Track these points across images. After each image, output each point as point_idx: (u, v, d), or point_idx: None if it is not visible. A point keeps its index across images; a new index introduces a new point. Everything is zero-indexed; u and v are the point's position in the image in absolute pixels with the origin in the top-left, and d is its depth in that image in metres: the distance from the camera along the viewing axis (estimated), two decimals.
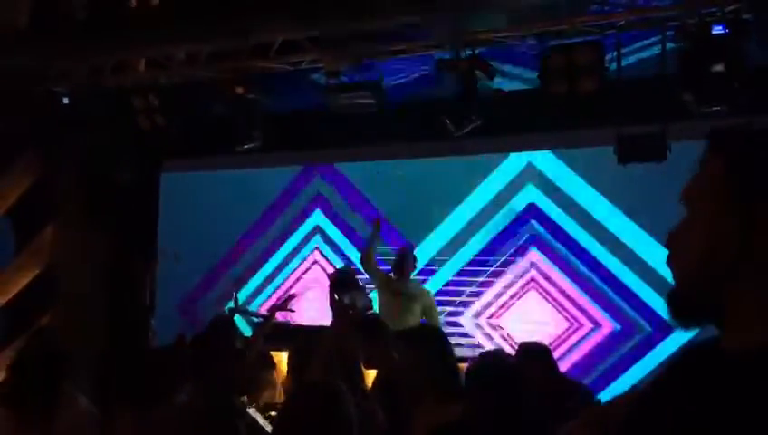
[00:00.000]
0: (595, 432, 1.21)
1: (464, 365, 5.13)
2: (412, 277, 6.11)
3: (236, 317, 5.90)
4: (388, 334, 4.09)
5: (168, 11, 5.75)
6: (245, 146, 5.99)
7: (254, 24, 5.56)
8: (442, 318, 6.38)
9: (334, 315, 2.63)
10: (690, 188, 1.01)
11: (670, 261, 1.01)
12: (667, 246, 1.02)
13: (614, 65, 5.01)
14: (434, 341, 3.09)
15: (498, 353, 3.75)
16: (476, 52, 5.30)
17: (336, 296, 2.62)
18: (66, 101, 6.35)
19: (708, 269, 0.96)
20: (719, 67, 4.55)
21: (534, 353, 3.74)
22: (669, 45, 4.89)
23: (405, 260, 5.99)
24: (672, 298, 1.00)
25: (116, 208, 7.26)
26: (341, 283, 2.58)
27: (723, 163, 0.98)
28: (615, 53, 5.02)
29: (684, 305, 0.99)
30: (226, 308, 5.73)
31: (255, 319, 6.10)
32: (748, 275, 0.94)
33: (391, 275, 6.01)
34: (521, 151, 6.69)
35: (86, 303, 6.90)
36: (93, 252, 7.09)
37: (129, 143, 6.66)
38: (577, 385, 3.93)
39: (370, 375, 3.92)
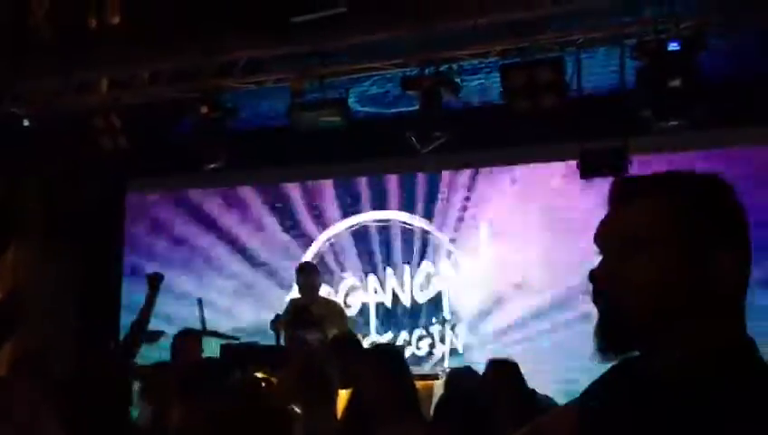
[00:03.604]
0: None
1: (432, 382, 5.19)
2: (321, 295, 5.77)
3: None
4: (359, 351, 4.10)
5: (130, 30, 5.71)
6: (211, 165, 5.97)
7: (220, 43, 5.57)
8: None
9: (290, 351, 2.64)
10: (626, 228, 1.06)
11: (609, 297, 1.05)
12: (602, 283, 1.06)
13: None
14: (393, 360, 3.16)
15: (467, 376, 3.80)
16: (441, 69, 5.37)
17: (291, 332, 2.64)
18: (27, 122, 6.26)
19: (660, 306, 1.02)
20: (676, 82, 4.67)
21: (502, 369, 3.79)
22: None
23: (306, 279, 5.64)
24: (610, 332, 1.05)
25: (80, 230, 7.16)
26: (297, 319, 2.58)
27: (667, 206, 1.05)
28: (575, 70, 5.12)
29: (623, 338, 1.05)
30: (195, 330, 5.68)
31: (223, 340, 6.05)
32: (692, 310, 1.02)
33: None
34: (485, 167, 6.76)
35: (52, 325, 6.78)
36: (58, 274, 6.98)
37: (92, 164, 6.59)
38: (546, 401, 3.98)
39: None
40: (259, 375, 4.00)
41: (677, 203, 1.04)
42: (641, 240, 1.04)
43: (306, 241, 7.39)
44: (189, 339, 5.23)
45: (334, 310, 5.65)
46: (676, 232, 1.03)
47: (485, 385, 3.78)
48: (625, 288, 1.04)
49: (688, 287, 1.02)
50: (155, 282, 5.34)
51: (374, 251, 7.09)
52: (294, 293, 7.27)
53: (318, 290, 5.70)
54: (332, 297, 6.66)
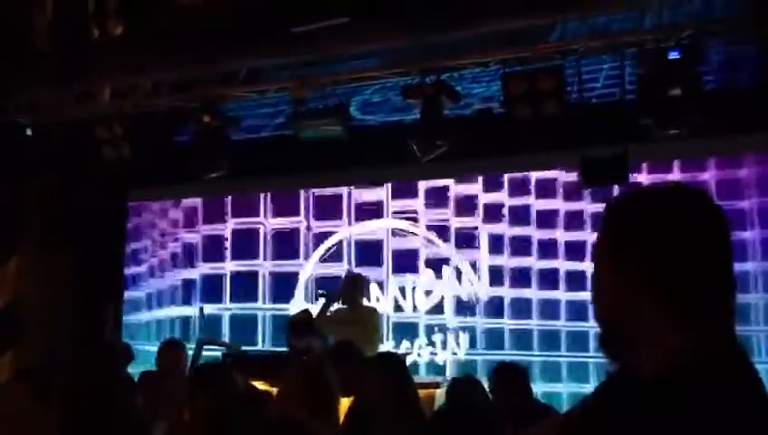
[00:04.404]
0: None
1: (434, 391, 5.18)
2: (365, 304, 5.88)
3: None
4: (361, 359, 4.10)
5: (132, 40, 5.73)
6: (212, 174, 5.97)
7: (221, 53, 5.58)
8: None
9: (290, 358, 2.63)
10: (594, 250, 1.21)
11: (594, 306, 1.19)
12: (591, 295, 1.20)
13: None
14: (397, 368, 3.16)
15: (468, 385, 3.79)
16: (441, 77, 5.38)
17: (292, 340, 2.63)
18: (29, 131, 6.28)
19: (612, 313, 1.13)
20: (676, 91, 4.68)
21: (507, 376, 3.77)
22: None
23: (348, 288, 5.76)
24: (599, 336, 1.17)
25: (82, 239, 7.16)
26: (297, 327, 2.59)
27: (603, 234, 1.17)
28: (576, 78, 5.14)
29: (605, 341, 1.16)
30: (196, 339, 5.68)
31: (224, 349, 6.04)
32: (637, 315, 1.10)
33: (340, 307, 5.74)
34: (487, 175, 6.76)
35: (52, 334, 6.77)
36: (59, 283, 6.98)
37: (93, 173, 6.60)
38: (548, 410, 3.96)
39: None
40: (260, 385, 4.00)
41: (646, 218, 1.11)
42: (607, 252, 1.15)
43: (308, 249, 7.39)
44: (173, 349, 5.23)
45: (367, 314, 5.73)
46: (637, 243, 1.10)
47: (491, 389, 3.76)
48: (595, 296, 1.16)
49: (646, 293, 1.08)
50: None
51: (376, 259, 7.08)
52: (297, 304, 7.30)
53: (358, 298, 5.76)
54: None
